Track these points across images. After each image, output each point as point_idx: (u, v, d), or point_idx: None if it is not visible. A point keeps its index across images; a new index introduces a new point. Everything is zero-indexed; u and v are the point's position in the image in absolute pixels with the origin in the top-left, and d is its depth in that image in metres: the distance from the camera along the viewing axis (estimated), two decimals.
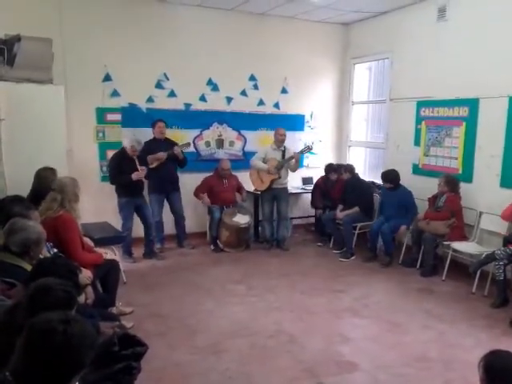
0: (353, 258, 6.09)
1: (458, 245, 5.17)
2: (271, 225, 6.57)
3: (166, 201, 6.20)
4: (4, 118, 4.50)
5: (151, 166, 5.91)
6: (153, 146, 5.98)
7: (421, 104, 6.16)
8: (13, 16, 5.21)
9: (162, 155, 5.89)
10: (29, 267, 2.69)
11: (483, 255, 4.78)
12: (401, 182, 5.92)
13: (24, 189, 4.30)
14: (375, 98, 7.44)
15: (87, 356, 1.50)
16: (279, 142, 6.33)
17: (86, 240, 4.12)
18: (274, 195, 6.43)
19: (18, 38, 3.79)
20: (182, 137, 6.48)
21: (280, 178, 6.29)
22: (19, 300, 1.96)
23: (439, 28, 5.83)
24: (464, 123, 5.57)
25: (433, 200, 5.58)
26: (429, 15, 5.94)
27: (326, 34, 7.39)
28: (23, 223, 2.88)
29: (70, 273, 2.39)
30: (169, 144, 6.06)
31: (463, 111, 5.59)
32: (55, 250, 3.49)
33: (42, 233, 2.92)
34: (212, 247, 6.40)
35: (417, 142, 6.24)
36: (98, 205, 5.79)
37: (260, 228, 6.83)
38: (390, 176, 5.89)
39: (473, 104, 5.43)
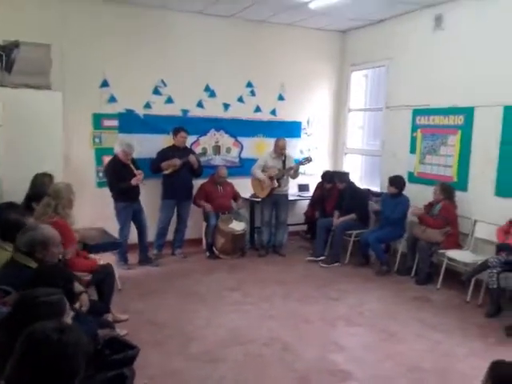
0: (336, 264, 6.09)
1: (452, 253, 5.19)
2: (270, 230, 6.59)
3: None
4: (1, 123, 4.49)
5: (165, 172, 6.00)
6: (170, 152, 6.05)
7: (417, 112, 6.20)
8: (11, 22, 5.22)
9: (177, 162, 5.96)
10: None
11: (477, 263, 4.81)
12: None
13: (20, 194, 4.34)
14: (372, 106, 7.48)
15: (82, 364, 1.52)
16: (279, 154, 6.39)
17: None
18: (274, 201, 6.47)
19: (16, 44, 3.80)
20: None
21: (280, 186, 6.35)
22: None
23: (436, 37, 5.88)
24: (459, 131, 5.61)
25: (428, 208, 5.60)
26: (426, 24, 5.99)
27: (323, 41, 7.44)
28: (35, 225, 3.00)
29: (65, 281, 2.40)
30: (186, 152, 6.13)
31: (458, 120, 5.62)
32: None
33: (52, 236, 2.95)
34: (207, 254, 6.39)
35: (412, 150, 6.27)
36: (94, 210, 5.78)
37: (256, 234, 6.84)
38: (397, 180, 5.88)
39: (468, 112, 5.47)
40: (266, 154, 6.58)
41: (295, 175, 6.50)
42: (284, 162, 6.40)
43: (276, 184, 6.31)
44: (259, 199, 6.54)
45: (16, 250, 2.87)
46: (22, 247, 2.82)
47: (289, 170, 6.36)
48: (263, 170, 6.37)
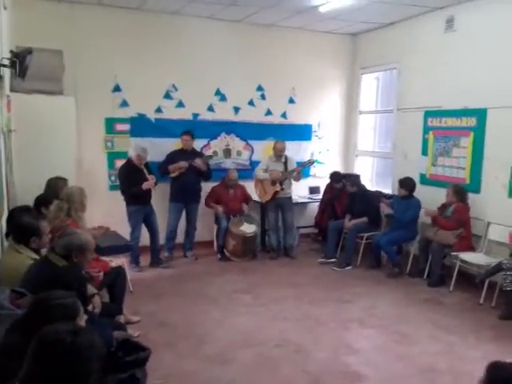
0: (348, 267, 6.07)
1: (465, 255, 5.14)
2: (277, 233, 6.59)
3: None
4: (15, 128, 4.56)
5: (172, 175, 6.04)
6: (177, 156, 6.09)
7: (428, 114, 6.16)
8: (24, 28, 5.31)
9: (183, 164, 5.99)
10: None
11: (490, 266, 4.77)
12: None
13: (33, 198, 4.37)
14: (383, 108, 7.45)
15: (95, 366, 1.52)
16: (278, 156, 6.40)
17: None
18: (278, 204, 6.48)
19: (29, 51, 3.84)
20: None
21: (283, 190, 6.35)
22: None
23: (447, 38, 5.84)
24: (472, 133, 5.56)
25: (441, 210, 5.55)
26: (437, 26, 5.96)
27: (333, 44, 7.43)
28: (73, 230, 3.07)
29: (79, 283, 2.43)
30: (194, 155, 6.15)
31: (471, 121, 5.57)
32: None
33: (88, 243, 3.00)
34: (218, 256, 6.41)
35: (424, 152, 6.24)
36: (106, 213, 5.82)
37: (266, 237, 6.85)
38: (407, 182, 5.87)
39: (481, 114, 5.42)
40: (266, 158, 6.60)
41: (298, 178, 6.48)
42: (285, 164, 6.41)
43: (279, 187, 6.32)
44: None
45: (51, 251, 2.95)
46: (59, 249, 2.90)
47: (291, 172, 6.36)
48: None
